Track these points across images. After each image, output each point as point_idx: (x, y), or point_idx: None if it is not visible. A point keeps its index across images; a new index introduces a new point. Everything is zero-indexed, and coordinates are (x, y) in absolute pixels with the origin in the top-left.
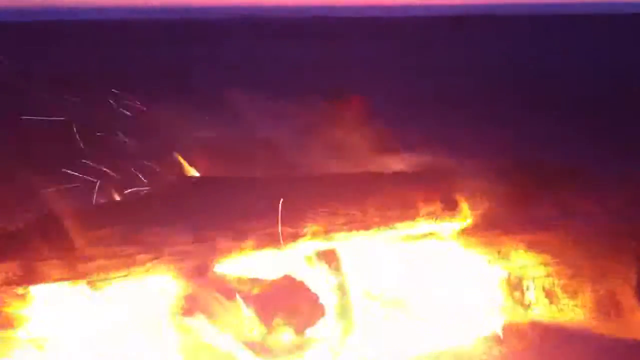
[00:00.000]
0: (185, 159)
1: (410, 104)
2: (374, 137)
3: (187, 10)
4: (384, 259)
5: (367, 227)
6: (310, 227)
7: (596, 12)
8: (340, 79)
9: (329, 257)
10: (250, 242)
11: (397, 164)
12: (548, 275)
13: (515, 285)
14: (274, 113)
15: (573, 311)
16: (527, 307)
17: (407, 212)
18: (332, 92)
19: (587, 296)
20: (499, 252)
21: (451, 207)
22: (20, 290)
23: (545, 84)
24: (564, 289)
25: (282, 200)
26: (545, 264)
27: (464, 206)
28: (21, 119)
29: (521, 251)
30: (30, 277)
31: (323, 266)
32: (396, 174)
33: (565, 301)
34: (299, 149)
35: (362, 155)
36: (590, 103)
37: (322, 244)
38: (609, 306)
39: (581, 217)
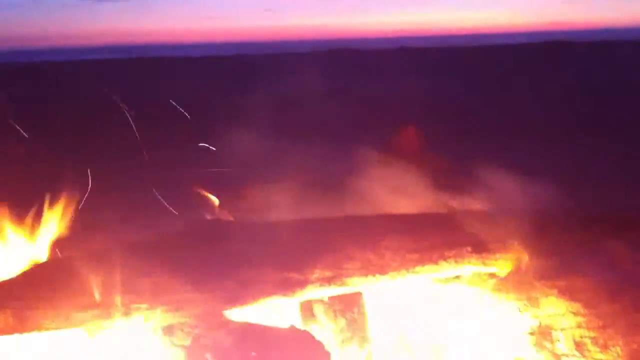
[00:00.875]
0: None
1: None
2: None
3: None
4: (406, 304)
5: (383, 272)
6: (321, 273)
7: None
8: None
9: (346, 303)
10: (256, 290)
11: (419, 204)
12: (578, 326)
13: (545, 335)
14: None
15: None
16: (558, 358)
17: (430, 255)
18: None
19: (618, 350)
20: (528, 299)
21: (479, 250)
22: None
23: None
24: (595, 341)
25: (290, 244)
26: (576, 314)
27: (494, 249)
28: None
29: (552, 298)
30: (22, 326)
31: (338, 313)
32: (419, 215)
33: (595, 354)
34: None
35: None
36: None
37: (335, 290)
38: None
39: (620, 269)
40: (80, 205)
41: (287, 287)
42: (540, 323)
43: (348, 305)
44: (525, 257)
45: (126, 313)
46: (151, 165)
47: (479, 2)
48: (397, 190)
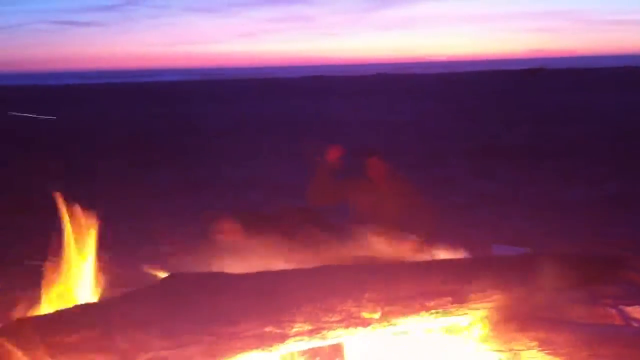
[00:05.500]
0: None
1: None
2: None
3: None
4: (387, 355)
5: (365, 324)
6: (300, 326)
7: None
8: None
9: (326, 356)
10: (233, 346)
11: (401, 252)
12: None
13: None
14: None
15: None
16: None
17: (411, 305)
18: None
19: None
20: (510, 351)
21: (460, 300)
22: None
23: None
24: None
25: (268, 298)
26: None
27: (475, 299)
28: None
29: (534, 352)
30: None
31: None
32: (400, 265)
33: None
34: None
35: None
36: None
37: (315, 343)
38: None
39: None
40: None
41: (265, 341)
42: None
43: (328, 358)
44: (507, 307)
45: None
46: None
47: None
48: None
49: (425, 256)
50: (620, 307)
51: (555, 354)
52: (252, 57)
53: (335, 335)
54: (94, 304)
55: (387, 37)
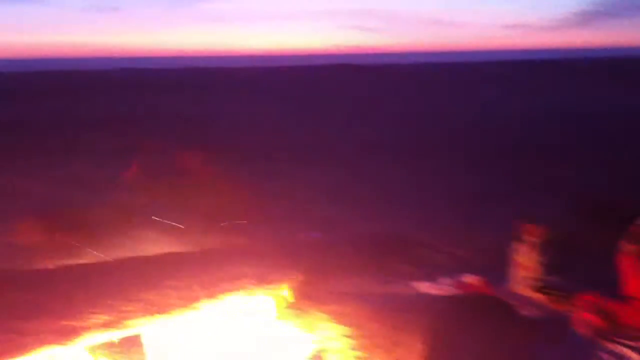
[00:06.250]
0: None
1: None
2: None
3: None
4: (191, 340)
5: (166, 311)
6: (99, 317)
7: None
8: None
9: (126, 345)
10: (33, 340)
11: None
12: (349, 347)
13: (320, 358)
14: None
15: None
16: None
17: (214, 289)
18: None
19: None
20: (307, 325)
21: (261, 281)
22: None
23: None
24: (364, 359)
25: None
26: (347, 336)
27: (274, 280)
28: None
29: (326, 323)
30: None
31: (119, 357)
32: (201, 252)
33: None
34: None
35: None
36: None
37: (116, 333)
38: None
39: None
40: None
41: (64, 335)
42: (317, 347)
43: (128, 347)
44: (304, 285)
45: None
46: None
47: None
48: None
49: (235, 242)
50: (410, 282)
51: (348, 324)
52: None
53: (135, 325)
54: None
55: (202, 31)
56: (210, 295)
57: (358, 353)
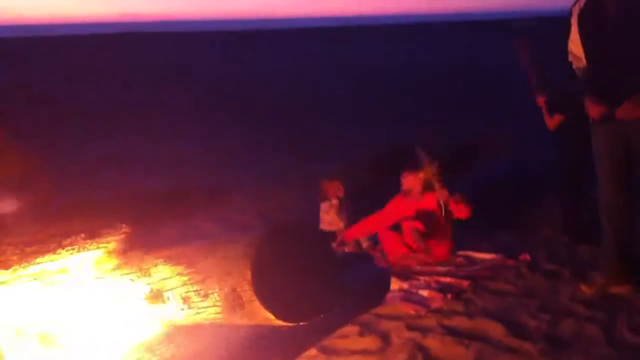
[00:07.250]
0: None
1: None
2: None
3: None
4: (30, 296)
5: (6, 266)
6: None
7: None
8: None
9: None
10: None
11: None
12: (184, 284)
13: (157, 298)
14: None
15: (206, 311)
16: (170, 313)
17: (48, 246)
18: None
19: (215, 296)
20: (140, 270)
21: (93, 235)
22: None
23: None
24: (197, 293)
25: None
26: (181, 274)
27: (105, 234)
28: None
29: (160, 266)
30: None
31: None
32: (38, 209)
33: (200, 304)
34: None
35: None
36: None
37: None
38: (233, 301)
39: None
40: None
41: None
42: (152, 289)
43: None
44: (133, 237)
45: None
46: None
47: None
48: None
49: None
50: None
51: (178, 264)
52: None
53: None
54: None
55: None
56: (45, 251)
57: (192, 287)
